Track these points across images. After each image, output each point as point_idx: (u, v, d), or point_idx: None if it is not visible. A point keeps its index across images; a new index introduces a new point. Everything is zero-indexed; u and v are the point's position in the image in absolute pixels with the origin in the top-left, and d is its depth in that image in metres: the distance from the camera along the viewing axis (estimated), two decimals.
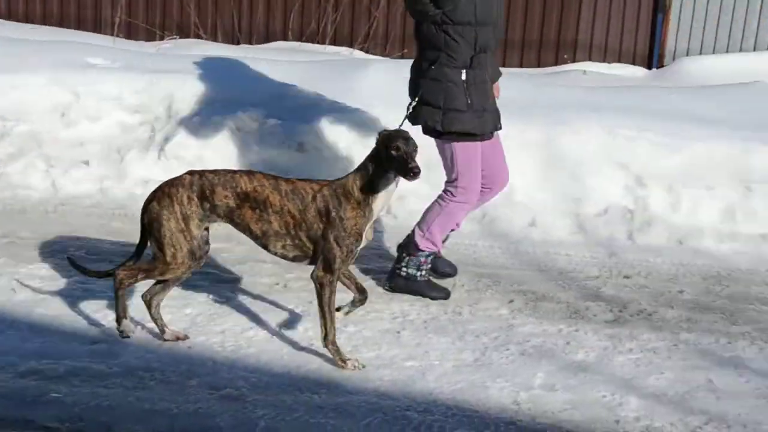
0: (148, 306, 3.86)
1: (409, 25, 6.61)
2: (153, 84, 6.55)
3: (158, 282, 3.85)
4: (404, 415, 3.32)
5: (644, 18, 9.03)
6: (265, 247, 3.75)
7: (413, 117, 4.24)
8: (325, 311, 3.66)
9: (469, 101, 4.17)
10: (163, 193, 3.70)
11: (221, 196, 3.67)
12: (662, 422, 3.32)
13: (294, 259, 3.76)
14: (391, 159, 3.49)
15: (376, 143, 3.58)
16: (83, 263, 4.17)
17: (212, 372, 3.62)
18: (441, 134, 4.25)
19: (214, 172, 3.76)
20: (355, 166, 3.72)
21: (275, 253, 3.75)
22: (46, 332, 3.91)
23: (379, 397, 3.46)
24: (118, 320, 3.81)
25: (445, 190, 4.40)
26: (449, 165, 4.32)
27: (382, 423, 3.26)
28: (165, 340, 3.87)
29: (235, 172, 3.81)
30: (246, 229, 3.72)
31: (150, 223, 3.70)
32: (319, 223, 3.61)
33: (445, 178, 4.42)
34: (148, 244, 3.78)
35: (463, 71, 4.16)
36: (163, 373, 3.58)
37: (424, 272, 4.45)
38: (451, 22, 4.11)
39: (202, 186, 3.67)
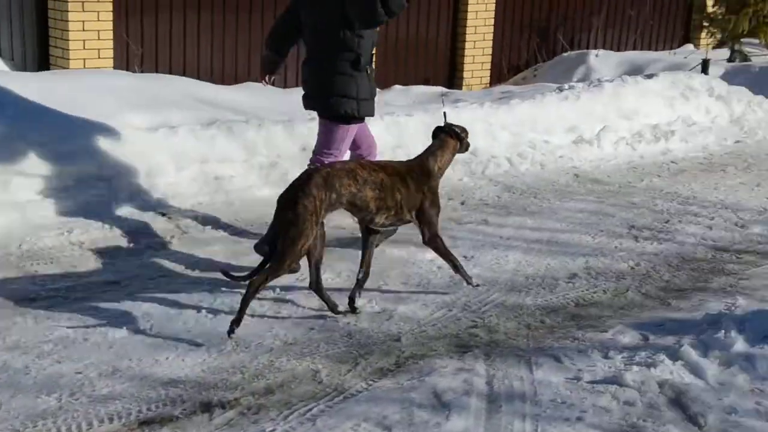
0: (255, 291, 4.04)
1: None
2: None
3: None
4: None
5: None
6: (371, 221, 4.35)
7: (324, 108, 4.92)
8: (449, 255, 4.56)
9: (372, 91, 4.97)
10: (304, 192, 4.02)
11: (346, 186, 4.16)
12: None
13: (389, 227, 4.58)
14: (465, 144, 4.67)
15: (450, 135, 4.59)
16: None
17: None
18: (352, 119, 4.91)
19: (331, 165, 4.32)
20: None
21: (378, 224, 4.39)
22: None
23: None
24: (237, 323, 3.98)
25: (317, 160, 4.93)
26: (336, 141, 4.95)
27: None
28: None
29: (345, 163, 4.55)
30: (364, 209, 4.26)
31: (289, 221, 3.98)
32: (418, 194, 4.38)
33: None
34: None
35: (368, 67, 4.92)
36: None
37: None
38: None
39: (331, 180, 4.11)
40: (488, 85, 10.93)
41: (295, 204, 4.00)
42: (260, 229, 5.26)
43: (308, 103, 5.09)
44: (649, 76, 8.58)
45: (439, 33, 10.58)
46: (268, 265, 4.04)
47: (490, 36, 10.84)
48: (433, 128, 4.77)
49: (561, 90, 8.04)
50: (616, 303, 4.57)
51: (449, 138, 4.64)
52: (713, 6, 11.27)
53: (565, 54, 11.26)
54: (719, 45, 12.03)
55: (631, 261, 5.18)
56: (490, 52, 10.92)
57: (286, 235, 3.99)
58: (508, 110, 7.47)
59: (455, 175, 6.86)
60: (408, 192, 4.37)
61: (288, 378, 3.64)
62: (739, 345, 3.80)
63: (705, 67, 9.67)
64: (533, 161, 7.24)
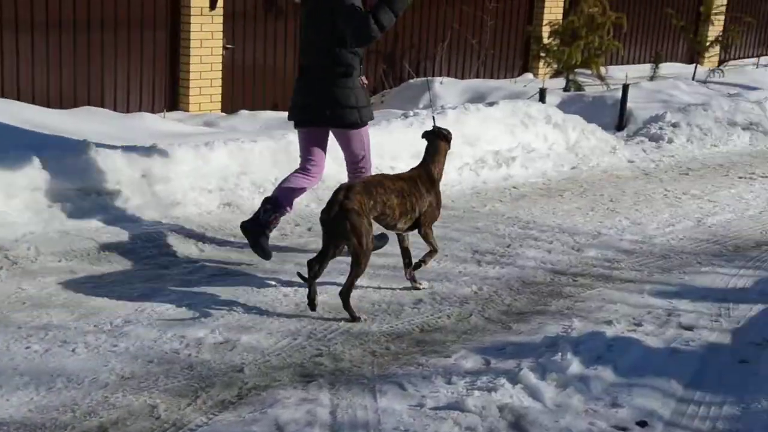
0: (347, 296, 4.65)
1: None
2: None
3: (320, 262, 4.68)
4: None
5: None
6: (394, 226, 4.95)
7: (324, 120, 5.36)
8: (434, 243, 5.16)
9: (367, 99, 5.46)
10: (350, 201, 4.55)
11: (380, 194, 4.74)
12: None
13: (406, 230, 5.06)
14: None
15: (443, 138, 5.15)
16: None
17: None
18: (356, 126, 5.39)
19: (366, 178, 5.00)
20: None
21: (399, 229, 5.00)
22: None
23: None
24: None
25: (356, 171, 5.52)
26: (359, 148, 5.48)
27: None
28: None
29: (373, 176, 5.13)
30: (390, 215, 4.84)
31: (351, 229, 4.53)
32: (428, 198, 5.00)
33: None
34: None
35: (361, 78, 5.37)
36: None
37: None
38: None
39: (369, 189, 4.70)
40: None
41: (348, 214, 4.53)
42: (95, 261, 5.04)
43: (308, 116, 5.45)
44: (491, 104, 8.83)
45: (287, 57, 10.56)
46: (351, 272, 4.63)
47: None
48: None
49: (406, 116, 8.15)
50: (459, 328, 4.62)
51: (441, 141, 5.15)
52: (548, 38, 11.74)
53: (411, 81, 11.47)
54: (556, 75, 12.54)
55: (474, 285, 5.27)
56: None
57: (356, 242, 4.56)
58: None
59: (302, 201, 6.82)
60: (421, 197, 4.99)
61: (123, 415, 3.48)
62: (575, 367, 3.91)
63: (542, 95, 10.05)
64: None
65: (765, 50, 16.19)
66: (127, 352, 4.09)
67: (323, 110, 5.34)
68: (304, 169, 5.59)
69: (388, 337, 4.46)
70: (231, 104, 10.04)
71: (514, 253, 5.93)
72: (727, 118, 10.24)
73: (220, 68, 9.86)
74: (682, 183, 8.09)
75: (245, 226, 5.38)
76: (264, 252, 5.36)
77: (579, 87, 11.70)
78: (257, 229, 5.35)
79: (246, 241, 5.44)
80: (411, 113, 8.33)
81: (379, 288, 5.15)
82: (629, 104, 10.30)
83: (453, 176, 7.75)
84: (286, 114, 9.73)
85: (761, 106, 10.53)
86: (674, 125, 9.92)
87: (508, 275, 5.48)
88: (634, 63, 14.12)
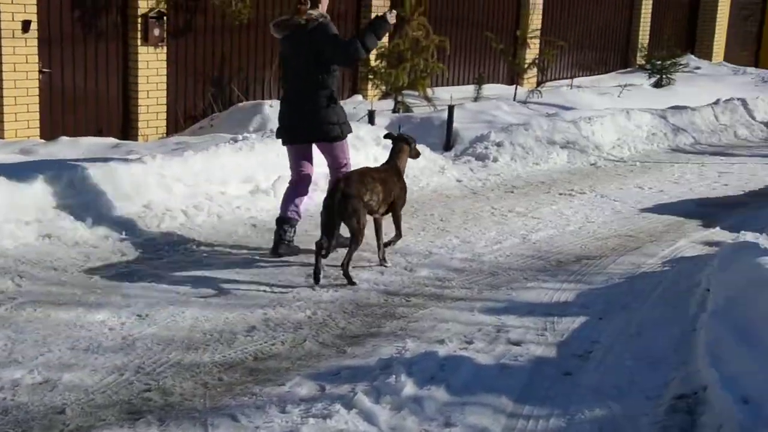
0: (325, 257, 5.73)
1: None
2: None
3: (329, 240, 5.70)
4: None
5: None
6: (376, 211, 6.04)
7: (312, 137, 6.30)
8: (401, 227, 6.39)
9: (345, 115, 6.36)
10: (350, 189, 5.69)
11: (371, 183, 5.88)
12: None
13: (382, 214, 6.19)
14: (414, 150, 6.58)
15: (405, 141, 6.46)
16: None
17: None
18: (339, 139, 6.28)
19: (357, 171, 6.03)
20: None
21: (378, 213, 6.09)
22: None
23: None
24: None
25: (339, 172, 6.24)
26: (341, 156, 6.34)
27: None
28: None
29: (360, 169, 6.16)
30: (376, 202, 5.93)
31: (352, 212, 5.67)
32: (397, 188, 6.20)
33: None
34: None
35: (338, 98, 6.30)
36: None
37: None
38: (336, 69, 6.24)
39: (363, 179, 5.85)
40: (165, 134, 10.72)
41: (349, 199, 5.65)
42: None
43: (298, 135, 6.33)
44: None
45: (110, 82, 10.22)
46: (351, 247, 5.72)
47: (164, 86, 10.66)
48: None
49: (235, 141, 8.04)
50: (294, 354, 4.57)
51: (404, 144, 6.42)
52: (376, 60, 11.92)
53: (240, 104, 11.34)
54: (384, 96, 12.74)
55: (308, 310, 5.23)
56: (165, 102, 10.72)
57: (356, 222, 5.68)
58: (183, 162, 7.33)
59: (129, 229, 6.60)
60: (394, 187, 6.13)
61: None
62: (409, 388, 3.94)
63: (371, 118, 10.17)
64: (210, 212, 7.14)
65: (577, 72, 17.07)
66: None
67: (311, 129, 6.25)
68: (298, 179, 6.44)
69: (220, 367, 4.35)
70: (50, 130, 9.60)
71: None
72: (547, 137, 10.70)
73: (37, 93, 9.42)
74: (508, 200, 8.37)
75: (279, 254, 6.25)
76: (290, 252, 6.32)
77: (407, 108, 11.92)
78: (283, 245, 6.30)
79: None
80: (240, 137, 8.22)
81: (210, 318, 5.01)
82: (455, 124, 10.58)
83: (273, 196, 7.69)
84: (110, 140, 9.52)
85: (576, 125, 11.07)
86: (498, 144, 10.26)
87: (342, 298, 5.47)
88: (458, 84, 14.54)
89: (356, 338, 4.83)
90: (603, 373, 4.38)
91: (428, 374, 4.14)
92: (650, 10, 18.48)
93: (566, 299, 5.55)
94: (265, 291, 5.53)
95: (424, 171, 9.09)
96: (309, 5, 6.11)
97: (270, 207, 7.50)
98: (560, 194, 8.72)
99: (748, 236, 6.07)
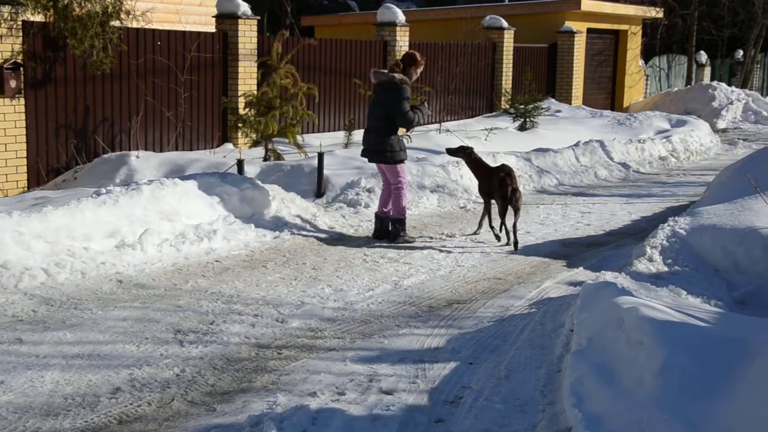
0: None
1: None
2: None
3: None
4: None
5: None
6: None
7: (381, 158, 8.67)
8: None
9: (402, 146, 8.74)
10: (512, 176, 8.56)
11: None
12: None
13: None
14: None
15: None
16: None
17: None
18: (395, 162, 8.65)
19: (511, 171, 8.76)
20: None
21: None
22: None
23: None
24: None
25: (395, 189, 8.69)
26: (397, 177, 8.69)
27: None
28: None
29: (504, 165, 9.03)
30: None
31: (519, 193, 8.51)
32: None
33: None
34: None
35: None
36: None
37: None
38: None
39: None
40: (26, 188, 10.33)
41: (514, 181, 8.51)
42: None
43: (372, 157, 8.76)
44: (188, 177, 8.72)
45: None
46: (517, 217, 8.55)
47: (23, 138, 10.29)
48: None
49: (98, 194, 7.81)
50: (161, 414, 4.43)
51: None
52: (245, 108, 11.88)
53: (105, 155, 11.07)
54: (255, 144, 12.69)
55: (176, 368, 5.09)
56: (25, 155, 10.35)
57: (519, 200, 8.46)
58: (42, 218, 7.07)
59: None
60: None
61: None
62: None
63: (240, 167, 10.10)
64: (73, 270, 6.90)
65: (445, 116, 17.48)
66: None
67: (378, 153, 8.62)
68: (384, 186, 8.94)
69: None
70: None
71: (217, 329, 5.82)
72: (417, 181, 10.87)
73: None
74: (380, 246, 8.42)
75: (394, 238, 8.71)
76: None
77: (278, 156, 11.90)
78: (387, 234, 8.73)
79: None
80: (103, 190, 8.00)
81: (72, 381, 4.81)
82: (326, 171, 10.62)
83: (152, 253, 7.53)
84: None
85: (445, 169, 11.29)
86: (369, 190, 10.35)
87: (211, 354, 5.36)
88: (329, 131, 14.64)
89: (226, 395, 4.73)
90: (474, 418, 4.43)
91: (300, 429, 4.10)
92: (511, 57, 19.17)
93: (437, 345, 5.60)
94: (131, 349, 5.36)
95: (296, 219, 9.06)
96: (400, 69, 8.63)
97: (137, 261, 7.32)
98: (431, 238, 8.86)
99: (608, 276, 6.29)
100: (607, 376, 4.27)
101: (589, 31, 22.18)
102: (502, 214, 8.48)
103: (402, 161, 8.69)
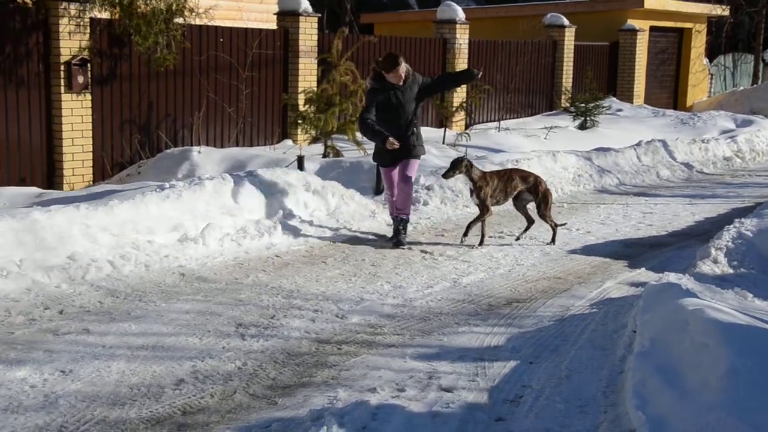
0: None
1: None
2: None
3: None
4: None
5: None
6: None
7: (414, 154, 8.44)
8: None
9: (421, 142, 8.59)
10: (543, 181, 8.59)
11: None
12: None
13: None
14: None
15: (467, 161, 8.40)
16: None
17: None
18: (416, 157, 8.47)
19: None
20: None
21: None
22: None
23: None
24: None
25: (403, 180, 8.40)
26: (413, 170, 8.46)
27: None
28: None
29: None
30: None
31: (546, 193, 8.48)
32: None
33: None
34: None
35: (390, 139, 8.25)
36: None
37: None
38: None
39: None
40: (92, 182, 10.55)
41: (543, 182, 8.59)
42: None
43: (397, 158, 8.40)
44: (250, 173, 8.81)
45: (32, 130, 10.04)
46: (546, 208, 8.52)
47: (89, 133, 10.52)
48: None
49: (162, 189, 7.94)
50: (224, 407, 4.49)
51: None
52: (304, 105, 11.96)
53: (168, 150, 11.24)
54: (314, 141, 12.77)
55: (238, 361, 5.15)
56: (91, 149, 10.58)
57: (549, 200, 8.51)
58: (108, 211, 7.21)
59: (52, 282, 6.44)
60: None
61: None
62: None
63: (300, 163, 10.17)
64: (137, 262, 7.02)
65: (504, 115, 17.39)
66: None
67: (403, 152, 8.31)
68: (392, 194, 8.50)
69: (147, 423, 4.25)
70: None
71: (278, 324, 5.87)
72: None
73: None
74: (439, 244, 8.41)
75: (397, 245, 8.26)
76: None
77: (337, 152, 11.96)
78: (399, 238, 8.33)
79: None
80: (167, 185, 8.13)
81: (137, 372, 4.90)
82: None
83: (214, 247, 7.63)
84: (34, 189, 9.32)
85: (504, 167, 11.22)
86: (428, 188, 10.34)
87: (272, 348, 5.40)
88: None
89: (287, 389, 4.77)
90: (534, 417, 4.40)
91: (360, 424, 4.10)
92: (572, 55, 18.98)
93: (497, 343, 5.58)
94: (194, 342, 5.44)
95: (355, 215, 9.10)
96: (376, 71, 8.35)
97: (199, 255, 7.42)
98: (490, 237, 8.81)
99: (671, 277, 6.20)
100: (671, 378, 4.20)
101: (652, 29, 21.87)
102: (544, 214, 8.53)
103: (420, 156, 8.59)
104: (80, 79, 10.22)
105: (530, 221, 8.63)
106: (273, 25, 13.59)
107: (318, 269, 7.35)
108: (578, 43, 19.25)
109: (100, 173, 10.77)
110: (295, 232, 8.35)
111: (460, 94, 15.23)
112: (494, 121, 16.87)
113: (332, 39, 12.35)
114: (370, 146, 11.86)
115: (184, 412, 4.42)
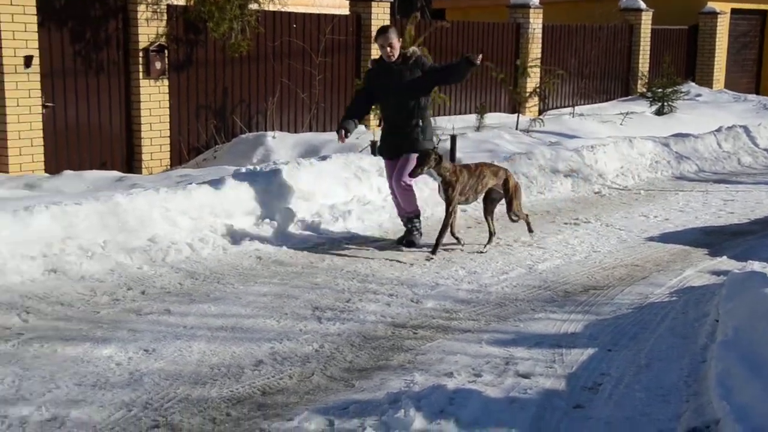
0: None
1: None
2: None
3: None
4: None
5: None
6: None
7: (418, 149, 7.38)
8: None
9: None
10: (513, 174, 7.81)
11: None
12: None
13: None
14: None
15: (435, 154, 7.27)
16: None
17: None
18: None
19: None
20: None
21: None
22: None
23: None
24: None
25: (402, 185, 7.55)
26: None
27: None
28: None
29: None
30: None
31: (516, 187, 7.72)
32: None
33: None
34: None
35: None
36: None
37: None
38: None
39: None
40: (169, 167, 10.74)
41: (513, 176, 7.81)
42: None
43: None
44: (324, 158, 8.86)
45: (112, 115, 10.26)
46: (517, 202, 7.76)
47: (167, 118, 10.70)
48: None
49: (239, 173, 8.05)
50: (302, 388, 4.54)
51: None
52: None
53: (243, 135, 11.38)
54: None
55: (315, 343, 5.20)
56: (168, 134, 10.76)
57: (521, 195, 7.86)
58: (187, 194, 7.33)
59: (134, 263, 6.59)
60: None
61: None
62: (418, 423, 3.90)
63: (373, 148, 10.19)
64: (215, 245, 7.14)
65: (578, 100, 17.14)
66: None
67: (405, 145, 7.50)
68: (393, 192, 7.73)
69: (228, 402, 4.32)
70: (54, 164, 9.63)
71: (354, 307, 5.90)
72: (550, 165, 10.71)
73: (41, 127, 9.46)
74: (513, 230, 8.35)
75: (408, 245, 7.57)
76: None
77: None
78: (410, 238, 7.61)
79: None
80: (243, 169, 8.23)
81: (217, 352, 4.99)
82: (458, 154, 10.60)
83: (292, 230, 7.69)
84: (114, 173, 9.53)
85: (579, 153, 11.08)
86: None
87: (348, 331, 5.44)
88: (460, 114, 14.60)
89: (364, 371, 4.79)
90: (614, 405, 4.34)
91: (437, 408, 4.11)
92: (649, 39, 18.60)
93: (574, 330, 5.52)
94: (272, 324, 5.51)
95: (428, 201, 9.08)
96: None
97: (275, 239, 7.49)
98: (565, 223, 8.72)
99: (755, 265, 6.06)
100: (755, 367, 4.11)
101: (734, 11, 21.30)
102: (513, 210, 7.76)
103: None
104: (158, 65, 10.40)
105: (493, 232, 7.75)
106: (345, 11, 13.63)
107: (392, 254, 7.37)
108: (655, 27, 18.85)
109: (177, 158, 10.96)
110: (369, 217, 8.38)
111: (533, 80, 15.07)
112: (568, 106, 16.65)
113: (404, 24, 12.32)
114: (443, 132, 11.83)
115: (263, 392, 4.48)
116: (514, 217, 7.82)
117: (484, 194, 7.70)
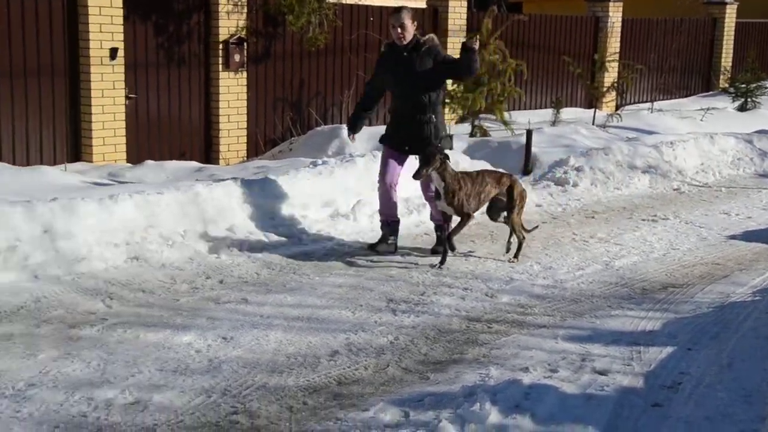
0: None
1: None
2: None
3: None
4: None
5: None
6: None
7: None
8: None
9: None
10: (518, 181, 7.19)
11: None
12: None
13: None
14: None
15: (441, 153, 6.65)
16: None
17: None
18: None
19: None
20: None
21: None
22: None
23: None
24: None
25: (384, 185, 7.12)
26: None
27: None
28: None
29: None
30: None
31: (521, 196, 7.03)
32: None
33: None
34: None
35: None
36: None
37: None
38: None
39: None
40: (245, 158, 10.89)
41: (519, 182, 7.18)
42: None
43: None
44: None
45: (192, 106, 10.44)
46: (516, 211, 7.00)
47: (244, 110, 10.84)
48: None
49: (315, 165, 8.12)
50: (377, 379, 4.57)
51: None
52: (452, 84, 11.92)
53: (318, 128, 11.46)
54: (461, 120, 12.73)
55: (390, 335, 5.23)
56: (245, 126, 10.90)
57: (524, 204, 7.11)
58: (263, 186, 7.43)
59: (212, 253, 6.71)
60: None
61: None
62: (493, 416, 3.90)
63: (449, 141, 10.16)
64: (291, 237, 7.21)
65: (657, 95, 16.81)
66: (31, 417, 3.90)
67: (416, 144, 6.95)
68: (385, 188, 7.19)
69: (305, 391, 4.37)
70: (137, 154, 9.84)
71: (428, 300, 5.92)
72: (627, 161, 10.54)
73: (124, 118, 9.68)
74: (589, 226, 8.26)
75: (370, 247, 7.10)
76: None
77: (485, 132, 11.89)
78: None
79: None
80: (319, 161, 8.30)
81: (294, 342, 5.05)
82: (534, 149, 10.51)
83: (365, 224, 7.74)
84: (193, 163, 9.72)
85: (658, 149, 10.88)
86: (578, 169, 10.15)
87: (423, 324, 5.45)
88: (535, 108, 14.46)
89: (439, 364, 4.80)
90: (694, 404, 4.27)
91: (513, 403, 4.09)
92: (733, 34, 18.14)
93: (652, 328, 5.43)
94: (347, 315, 5.56)
95: None
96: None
97: (350, 231, 7.55)
98: (643, 220, 8.58)
99: None
100: None
101: None
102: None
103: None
104: (237, 57, 10.54)
105: (521, 238, 7.12)
106: (422, 4, 13.60)
107: (466, 247, 7.36)
108: (740, 21, 18.36)
109: (254, 149, 11.09)
110: None
111: (611, 74, 14.83)
112: (646, 101, 16.34)
113: (481, 18, 12.24)
114: (518, 126, 11.75)
115: (339, 382, 4.52)
116: (515, 235, 7.04)
117: (488, 203, 7.11)
